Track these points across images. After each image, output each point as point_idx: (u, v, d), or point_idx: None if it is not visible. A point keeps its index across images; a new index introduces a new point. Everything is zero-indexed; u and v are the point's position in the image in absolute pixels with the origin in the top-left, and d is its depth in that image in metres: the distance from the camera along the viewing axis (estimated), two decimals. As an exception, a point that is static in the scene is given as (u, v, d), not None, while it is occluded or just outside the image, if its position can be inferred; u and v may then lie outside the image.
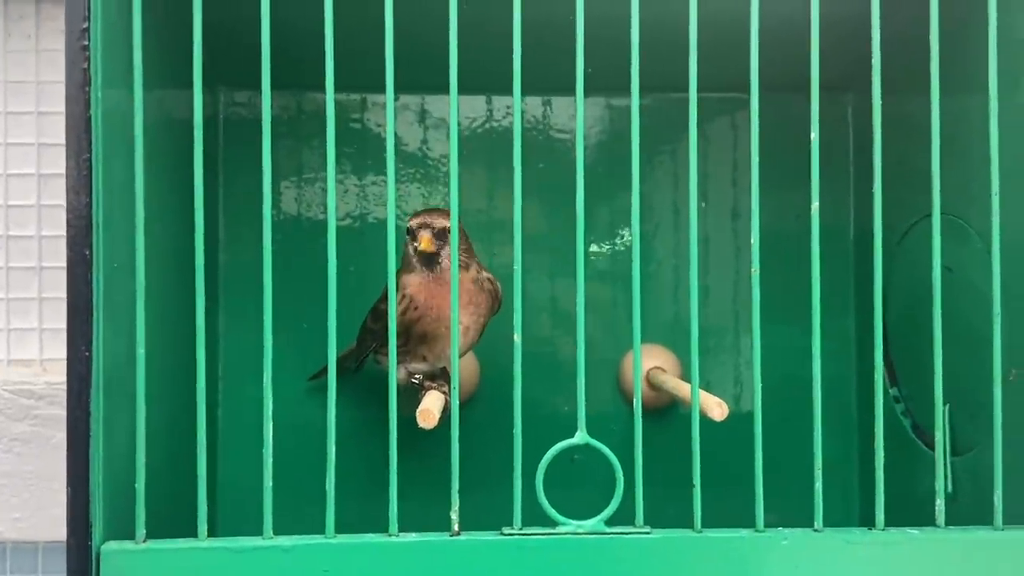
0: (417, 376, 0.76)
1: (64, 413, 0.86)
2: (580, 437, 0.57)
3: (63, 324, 0.89)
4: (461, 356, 0.72)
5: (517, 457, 0.56)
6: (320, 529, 0.55)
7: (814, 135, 0.58)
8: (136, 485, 0.54)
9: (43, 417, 0.87)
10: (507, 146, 0.89)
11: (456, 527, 0.56)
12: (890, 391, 0.82)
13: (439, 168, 0.91)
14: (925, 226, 0.77)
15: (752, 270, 0.57)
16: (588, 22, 0.57)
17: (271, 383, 0.56)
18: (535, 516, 0.57)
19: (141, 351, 0.54)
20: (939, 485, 0.58)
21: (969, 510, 0.66)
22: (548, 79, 0.73)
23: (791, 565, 0.55)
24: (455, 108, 0.57)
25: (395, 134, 0.89)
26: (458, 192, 0.59)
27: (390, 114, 0.57)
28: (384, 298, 0.76)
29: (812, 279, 0.58)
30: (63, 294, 0.89)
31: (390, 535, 0.56)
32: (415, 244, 0.73)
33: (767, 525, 0.57)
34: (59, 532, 0.88)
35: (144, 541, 0.55)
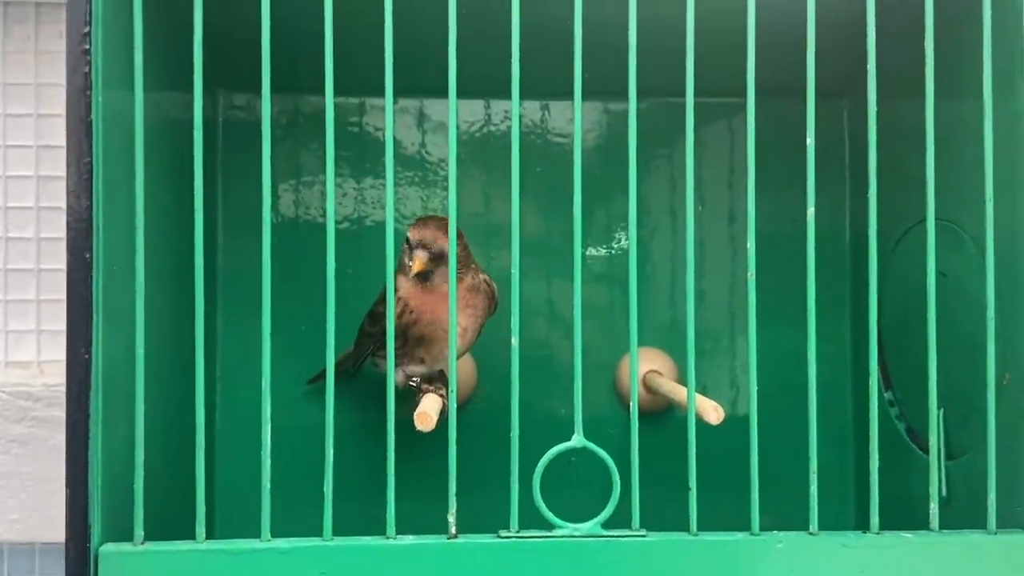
0: (415, 379, 0.76)
1: (62, 415, 0.86)
2: (577, 440, 0.57)
3: (61, 326, 0.90)
4: (458, 358, 0.72)
5: (514, 460, 0.56)
6: (318, 531, 0.56)
7: (810, 140, 0.58)
8: (134, 487, 0.55)
9: (41, 419, 0.87)
10: (505, 150, 0.90)
11: (453, 530, 0.56)
12: (884, 395, 0.82)
13: (437, 172, 0.92)
14: (919, 231, 0.77)
15: (748, 274, 0.58)
16: (585, 27, 0.57)
17: (269, 386, 0.56)
18: (532, 519, 0.57)
19: (140, 353, 0.54)
20: (933, 489, 0.58)
21: (963, 513, 0.67)
22: (546, 83, 0.73)
23: (786, 568, 0.56)
24: (454, 112, 0.57)
25: (393, 138, 0.90)
26: (456, 197, 0.59)
27: (389, 118, 0.58)
28: (381, 301, 0.77)
29: (808, 283, 0.58)
30: (61, 296, 0.91)
31: (387, 537, 0.56)
32: (410, 262, 0.72)
33: (762, 528, 0.57)
34: (57, 534, 0.87)
35: (142, 543, 0.55)
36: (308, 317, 0.86)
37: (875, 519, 0.57)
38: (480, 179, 0.91)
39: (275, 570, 0.54)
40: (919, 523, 0.59)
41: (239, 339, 0.87)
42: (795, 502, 0.62)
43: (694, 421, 0.58)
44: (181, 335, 0.67)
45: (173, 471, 0.67)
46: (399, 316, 0.73)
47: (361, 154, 0.91)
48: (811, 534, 0.57)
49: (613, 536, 0.56)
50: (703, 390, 0.88)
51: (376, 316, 0.77)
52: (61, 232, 0.91)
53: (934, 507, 0.58)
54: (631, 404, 0.58)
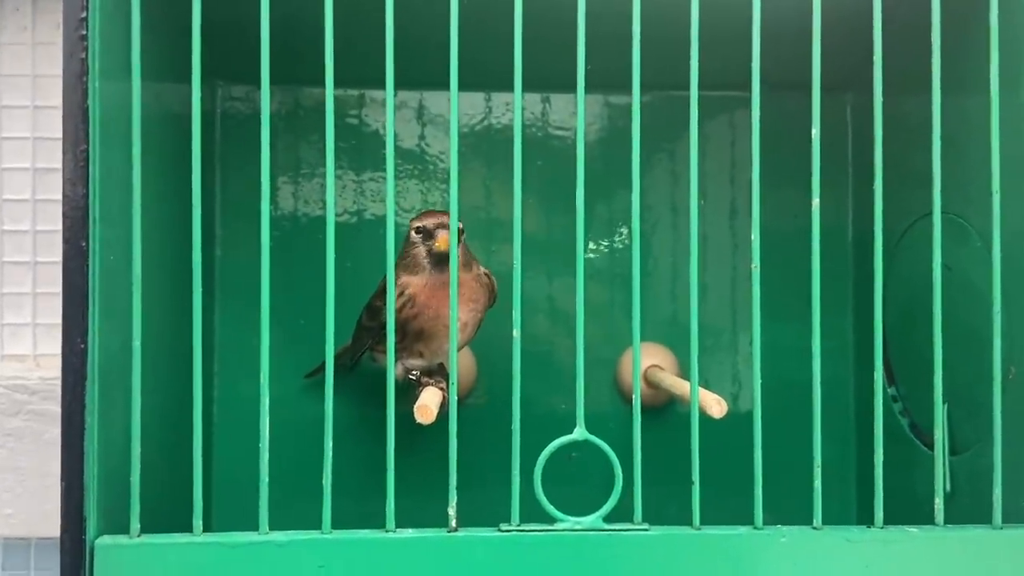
0: (414, 372, 0.75)
1: (58, 409, 0.86)
2: (579, 433, 0.57)
3: (57, 319, 0.89)
4: (458, 351, 0.71)
5: (515, 452, 0.56)
6: (316, 526, 0.55)
7: (815, 132, 0.58)
8: (131, 479, 0.54)
9: (36, 412, 0.87)
10: (506, 143, 0.90)
11: (454, 523, 0.55)
12: (888, 390, 0.82)
13: (437, 165, 0.91)
14: (923, 225, 0.77)
15: (752, 267, 0.57)
16: (588, 18, 0.57)
17: (268, 379, 0.56)
18: (533, 513, 0.56)
19: (137, 343, 0.54)
20: (938, 484, 0.58)
21: (967, 509, 0.66)
22: (547, 76, 0.73)
23: (790, 563, 0.55)
24: (455, 107, 0.57)
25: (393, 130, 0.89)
26: (458, 190, 0.58)
27: (390, 111, 0.57)
28: (379, 295, 0.76)
29: (812, 278, 0.57)
30: (57, 289, 0.89)
31: (387, 531, 0.55)
32: (429, 244, 0.72)
33: (764, 523, 0.56)
34: (52, 528, 0.87)
35: (138, 536, 0.54)
36: (307, 310, 0.86)
37: (879, 513, 0.57)
38: (480, 172, 0.91)
39: (273, 563, 0.54)
40: (922, 518, 0.58)
41: (237, 332, 0.87)
42: (797, 497, 0.61)
43: (697, 415, 0.57)
44: (178, 328, 0.67)
45: (170, 464, 0.66)
46: (400, 310, 0.73)
47: (360, 147, 0.90)
48: (815, 528, 0.56)
49: (615, 530, 0.55)
50: (705, 385, 0.88)
51: (374, 310, 0.76)
52: (57, 225, 0.89)
53: (939, 502, 0.57)
54: (634, 398, 0.57)
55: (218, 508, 0.85)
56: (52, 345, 0.90)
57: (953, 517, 0.58)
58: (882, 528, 0.56)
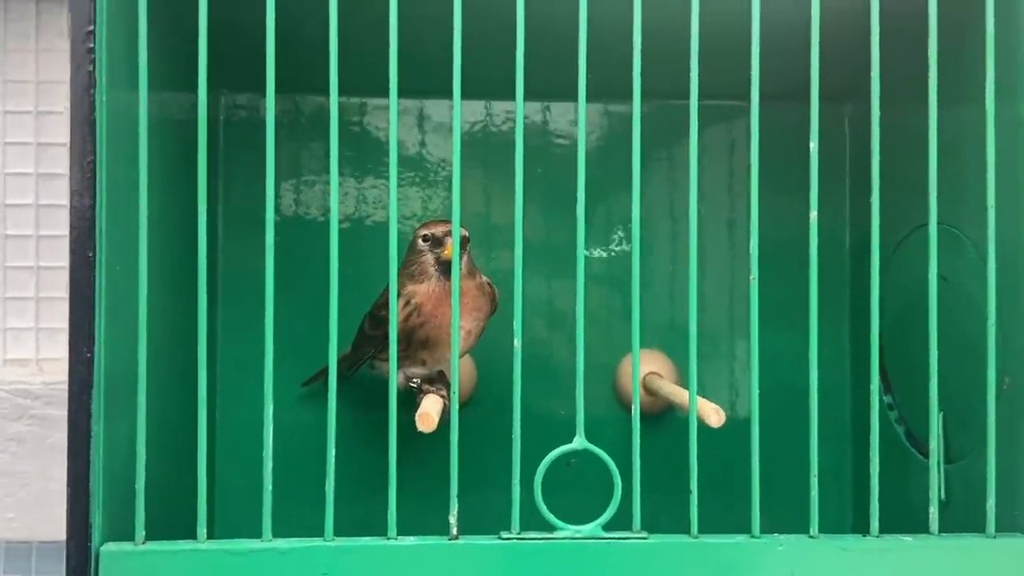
0: (415, 380, 0.76)
1: (60, 413, 0.87)
2: (578, 442, 0.57)
3: (60, 324, 0.90)
4: (460, 358, 0.72)
5: (516, 461, 0.56)
6: (317, 533, 0.56)
7: (813, 144, 0.58)
8: (136, 486, 0.55)
9: (39, 417, 0.87)
10: (506, 151, 0.90)
11: (455, 531, 0.56)
12: (884, 399, 0.83)
13: (438, 172, 0.92)
14: (920, 236, 0.78)
15: (751, 278, 0.58)
16: (589, 28, 0.57)
17: (272, 386, 0.56)
18: (533, 520, 0.57)
19: (143, 352, 0.54)
20: (933, 493, 0.58)
21: (961, 517, 0.67)
22: (548, 85, 0.73)
23: (786, 571, 0.56)
24: (458, 114, 0.57)
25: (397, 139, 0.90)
26: (460, 197, 0.59)
27: (393, 118, 0.58)
28: (382, 305, 0.77)
29: (810, 287, 0.58)
30: (60, 294, 0.90)
31: (388, 538, 0.56)
32: (437, 252, 0.73)
33: (761, 531, 0.57)
34: (54, 532, 0.88)
35: (143, 543, 0.55)
36: (309, 317, 0.86)
37: (875, 523, 0.57)
38: (481, 180, 0.91)
39: (276, 570, 0.54)
40: (917, 527, 0.59)
41: (239, 339, 0.87)
42: (793, 505, 0.62)
43: (695, 423, 0.58)
44: (182, 335, 0.67)
45: (173, 471, 0.67)
46: (406, 319, 0.73)
47: (362, 154, 0.91)
48: (811, 537, 0.57)
49: (614, 538, 0.56)
50: (703, 392, 0.88)
51: (377, 319, 0.77)
52: (60, 230, 0.91)
53: (934, 511, 0.58)
54: (633, 406, 0.58)
55: (221, 515, 0.86)
56: (55, 349, 0.91)
57: (948, 526, 0.59)
58: (878, 537, 0.57)
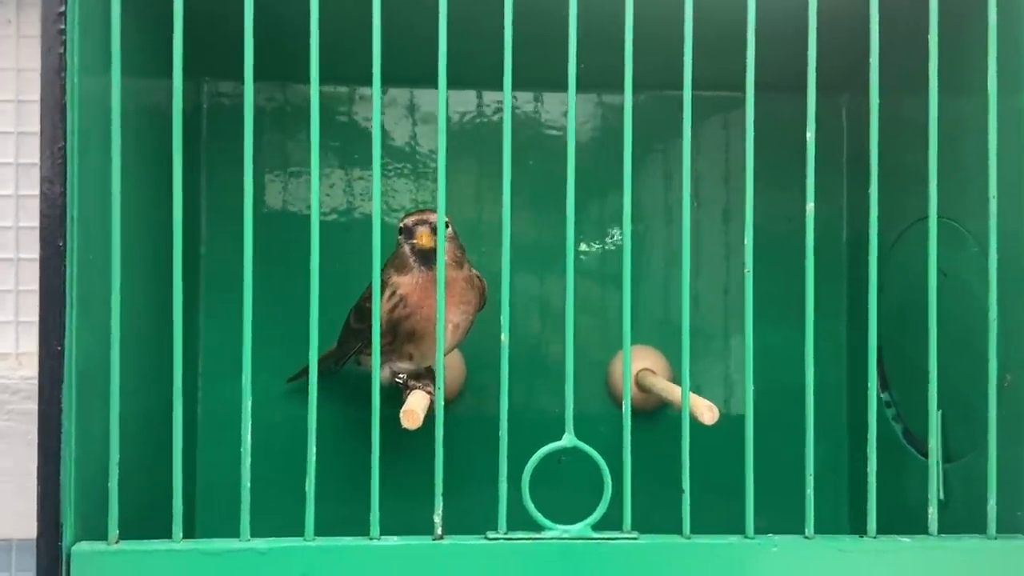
0: (401, 376, 0.74)
1: (40, 408, 0.85)
2: (568, 440, 0.56)
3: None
4: (447, 353, 0.70)
5: (503, 460, 0.55)
6: (300, 530, 0.54)
7: (810, 134, 0.57)
8: (109, 484, 0.53)
9: (18, 412, 0.85)
10: (497, 142, 0.89)
11: (439, 530, 0.54)
12: (881, 396, 0.81)
13: (427, 164, 0.90)
14: (918, 230, 0.76)
15: (745, 270, 0.56)
16: (581, 15, 0.56)
17: (251, 382, 0.54)
18: (520, 520, 0.55)
19: (116, 345, 0.53)
20: (932, 493, 0.57)
21: (961, 517, 0.65)
22: (539, 74, 0.72)
23: (781, 573, 0.54)
24: (443, 104, 0.56)
25: (382, 128, 0.88)
26: (445, 189, 0.57)
27: (376, 108, 0.56)
28: (368, 297, 0.75)
29: (807, 281, 0.56)
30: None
31: (371, 538, 0.54)
32: (412, 241, 0.71)
33: (755, 531, 0.56)
34: (33, 530, 0.86)
35: (116, 542, 0.53)
36: (293, 312, 0.84)
37: (872, 523, 0.56)
38: (470, 172, 0.90)
39: (254, 571, 0.53)
40: (915, 527, 0.57)
41: (222, 333, 0.86)
42: (787, 503, 0.61)
43: (688, 421, 0.56)
44: (161, 328, 0.65)
45: (151, 469, 0.65)
46: (391, 311, 0.71)
47: (349, 145, 0.89)
48: (807, 538, 0.55)
49: (604, 538, 0.54)
50: (696, 389, 0.86)
51: (363, 312, 0.75)
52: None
53: (933, 511, 0.57)
54: (624, 403, 0.56)
55: (201, 514, 0.84)
56: (34, 343, 0.88)
57: (947, 526, 0.58)
58: (875, 538, 0.56)
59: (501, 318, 0.56)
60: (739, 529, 0.56)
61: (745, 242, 0.56)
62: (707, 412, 0.63)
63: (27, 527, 0.85)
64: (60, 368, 0.52)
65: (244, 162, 0.54)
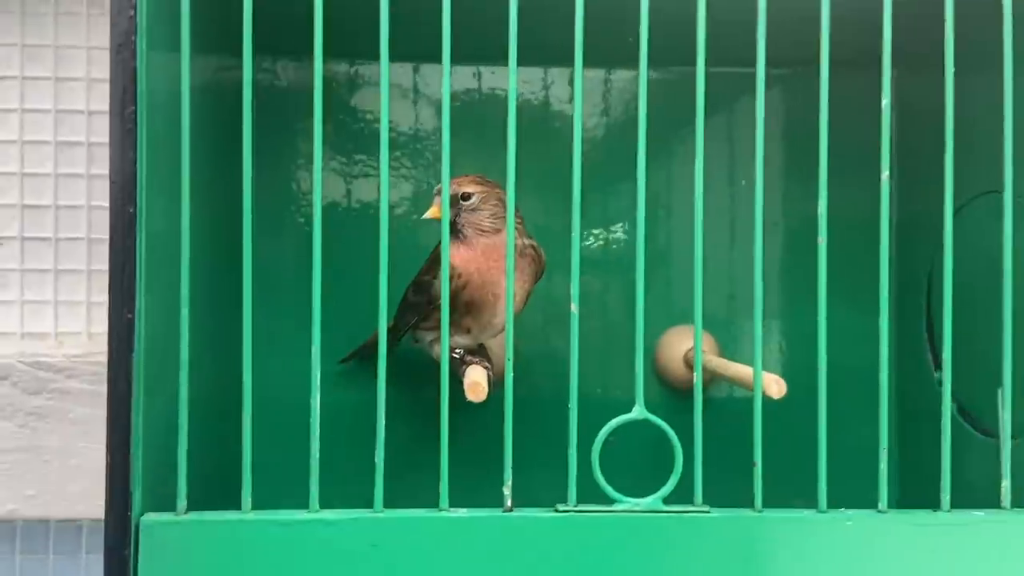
0: (458, 351, 0.73)
1: (82, 386, 0.84)
2: (638, 412, 0.55)
3: (79, 297, 0.87)
4: (502, 330, 0.69)
5: (572, 431, 0.54)
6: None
7: (885, 101, 0.56)
8: (178, 453, 0.52)
9: (60, 391, 0.85)
10: (504, 117, 0.88)
11: (509, 502, 0.54)
12: (934, 375, 0.81)
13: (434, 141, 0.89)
14: (976, 206, 0.75)
15: (819, 240, 0.56)
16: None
17: (319, 355, 0.54)
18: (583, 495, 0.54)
19: (185, 312, 0.52)
20: (1005, 466, 0.56)
21: (1021, 493, 0.65)
22: (547, 49, 0.70)
23: (855, 547, 0.54)
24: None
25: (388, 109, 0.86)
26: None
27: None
28: (427, 270, 0.74)
29: (881, 254, 0.57)
30: (80, 266, 0.88)
31: (440, 510, 0.54)
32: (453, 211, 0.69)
33: (802, 506, 0.55)
34: (73, 510, 0.85)
35: (185, 513, 0.52)
36: (349, 291, 0.84)
37: (946, 497, 0.55)
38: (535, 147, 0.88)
39: (324, 541, 0.52)
40: (972, 503, 0.57)
41: (266, 312, 0.84)
42: (842, 480, 0.60)
43: (760, 395, 0.56)
44: (217, 307, 0.65)
45: (207, 448, 0.64)
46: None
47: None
48: (880, 512, 0.55)
49: (676, 511, 0.54)
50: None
51: (421, 285, 0.74)
52: (80, 200, 0.88)
53: (1006, 484, 0.56)
54: (694, 378, 0.56)
55: (256, 491, 0.83)
56: (74, 323, 0.88)
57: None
58: (949, 512, 0.55)
59: (571, 288, 0.55)
60: (789, 504, 0.55)
61: (819, 212, 0.56)
62: (774, 386, 0.62)
63: (66, 507, 0.85)
64: (131, 337, 0.51)
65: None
